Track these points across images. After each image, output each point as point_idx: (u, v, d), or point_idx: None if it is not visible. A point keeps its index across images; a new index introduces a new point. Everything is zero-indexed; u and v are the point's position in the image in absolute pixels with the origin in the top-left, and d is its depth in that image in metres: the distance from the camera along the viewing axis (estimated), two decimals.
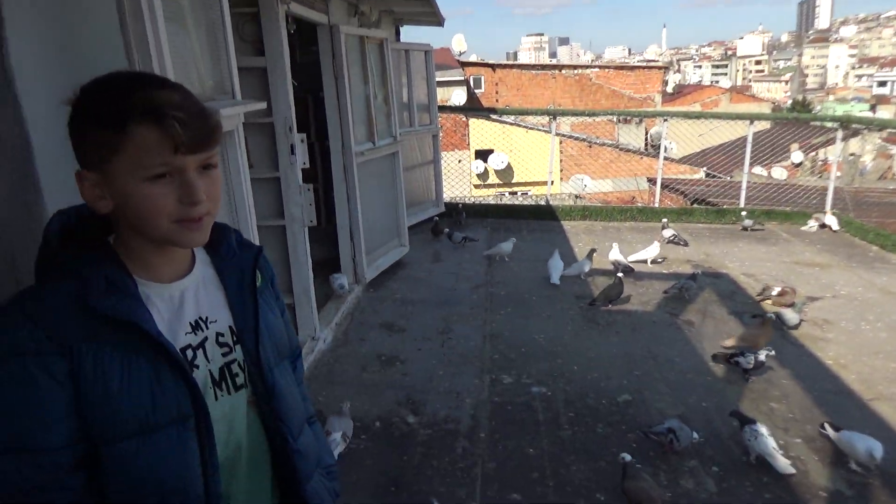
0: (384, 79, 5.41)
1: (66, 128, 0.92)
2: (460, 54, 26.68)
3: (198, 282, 1.04)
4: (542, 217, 7.79)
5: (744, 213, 7.57)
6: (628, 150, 17.62)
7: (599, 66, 26.14)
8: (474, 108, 15.26)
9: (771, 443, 2.96)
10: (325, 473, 1.23)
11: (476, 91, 24.24)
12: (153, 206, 0.89)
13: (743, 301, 5.06)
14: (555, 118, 8.21)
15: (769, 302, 4.91)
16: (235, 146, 2.53)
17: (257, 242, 2.75)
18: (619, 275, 4.99)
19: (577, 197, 14.39)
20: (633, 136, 20.16)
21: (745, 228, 7.36)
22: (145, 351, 0.90)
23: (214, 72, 2.45)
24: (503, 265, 5.94)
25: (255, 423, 1.06)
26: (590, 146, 17.67)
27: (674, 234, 6.73)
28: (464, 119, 16.77)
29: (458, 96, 21.39)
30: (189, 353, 0.98)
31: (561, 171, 17.11)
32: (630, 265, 5.65)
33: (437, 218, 6.92)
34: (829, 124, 8.00)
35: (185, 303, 1.00)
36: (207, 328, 1.01)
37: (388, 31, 5.66)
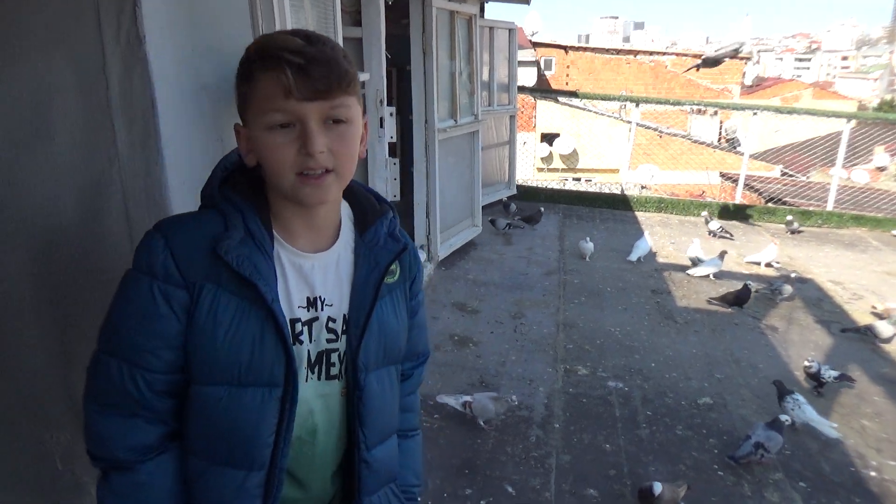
0: (470, 56, 5.32)
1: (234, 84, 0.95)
2: (533, 34, 26.24)
3: (331, 261, 1.01)
4: (616, 206, 7.60)
5: (789, 218, 7.12)
6: (700, 143, 17.04)
7: (676, 54, 25.28)
8: (547, 89, 14.97)
9: (813, 410, 3.10)
10: (400, 492, 1.17)
11: (545, 72, 23.82)
12: (274, 155, 0.89)
13: (830, 310, 4.81)
14: (637, 105, 7.95)
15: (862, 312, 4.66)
16: None
17: None
18: (749, 283, 4.73)
19: (642, 187, 14.03)
20: (706, 127, 19.47)
21: (791, 231, 6.95)
22: (258, 310, 0.91)
23: None
24: (576, 253, 5.81)
25: (344, 416, 1.04)
26: (660, 136, 17.14)
27: (720, 227, 6.49)
28: (532, 101, 16.54)
29: (527, 77, 21.07)
30: (297, 326, 0.97)
31: (629, 159, 16.71)
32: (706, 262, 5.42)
33: (505, 199, 6.77)
34: None
35: (312, 277, 0.99)
36: (322, 309, 0.99)
37: (476, 6, 5.54)
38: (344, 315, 1.01)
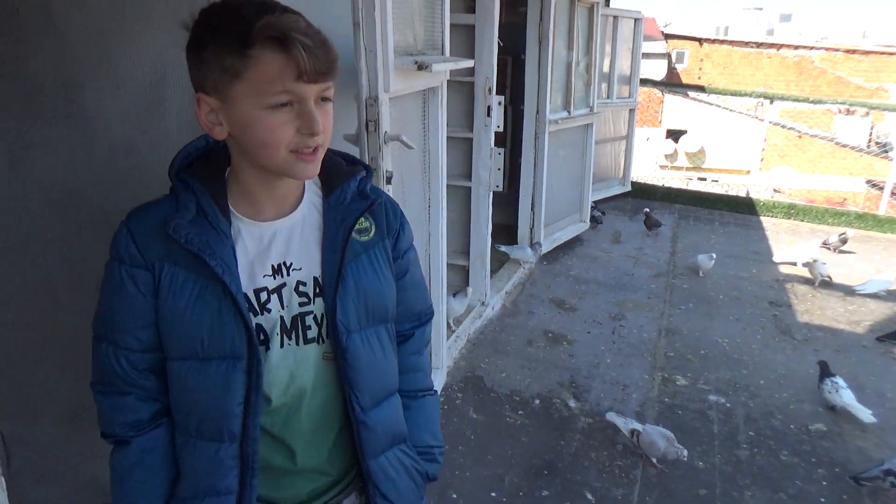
0: (589, 46, 5.15)
1: (186, 50, 0.92)
2: (666, 25, 25.11)
3: (294, 225, 1.02)
4: (739, 210, 7.11)
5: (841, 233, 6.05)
6: (846, 146, 15.58)
7: (826, 48, 23.23)
8: (674, 83, 14.28)
9: (852, 395, 3.14)
10: (414, 452, 1.16)
11: (677, 66, 22.70)
12: (272, 135, 0.89)
13: None
14: (772, 102, 7.39)
15: None
16: (438, 103, 2.50)
17: (443, 203, 2.75)
18: None
19: (775, 191, 13.04)
20: (853, 129, 17.78)
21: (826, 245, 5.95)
22: (214, 285, 0.94)
23: (427, 26, 2.42)
24: (688, 256, 5.50)
25: (333, 380, 1.04)
26: (799, 136, 15.84)
27: (841, 238, 5.86)
28: (659, 95, 15.82)
29: (656, 70, 20.19)
30: (263, 295, 0.98)
31: (761, 160, 15.58)
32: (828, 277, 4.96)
33: (647, 210, 6.18)
34: None
35: (274, 244, 1.00)
36: (288, 274, 1.00)
37: None
38: (315, 277, 1.01)
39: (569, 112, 4.97)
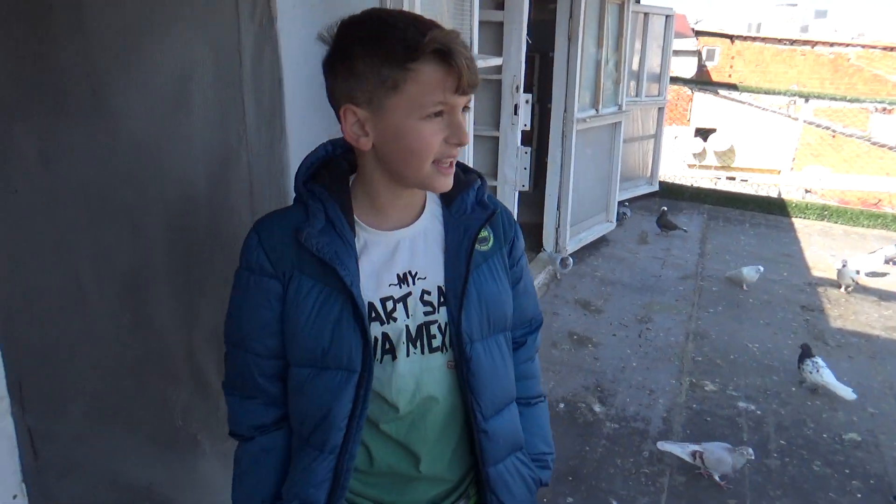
0: (619, 43, 5.07)
1: (323, 63, 0.95)
2: (697, 22, 24.75)
3: (418, 234, 1.02)
4: (770, 210, 6.97)
5: None
6: (882, 145, 15.18)
7: (863, 46, 22.66)
8: (704, 81, 14.05)
9: (832, 374, 3.26)
10: (529, 460, 1.15)
11: (707, 63, 22.34)
12: (425, 144, 0.91)
13: None
14: (807, 101, 7.21)
15: None
16: None
17: None
18: None
19: (807, 191, 12.76)
20: (891, 128, 17.33)
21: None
22: (338, 294, 0.95)
23: (456, 23, 2.39)
24: (717, 258, 5.41)
25: (456, 387, 1.04)
26: (833, 136, 15.43)
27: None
28: (688, 93, 15.57)
29: (686, 67, 19.87)
30: (389, 304, 0.98)
31: (794, 159, 15.26)
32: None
33: (664, 209, 6.03)
34: None
35: (399, 253, 1.00)
36: (414, 283, 1.00)
37: None
38: (439, 287, 1.01)
39: (597, 110, 4.90)
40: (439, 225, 1.04)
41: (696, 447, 2.69)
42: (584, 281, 4.72)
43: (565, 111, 4.54)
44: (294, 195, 1.04)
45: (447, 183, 0.97)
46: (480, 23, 2.72)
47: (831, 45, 22.24)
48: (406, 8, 1.79)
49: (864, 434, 3.06)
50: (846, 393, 3.20)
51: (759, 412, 3.20)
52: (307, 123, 1.71)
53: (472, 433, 1.06)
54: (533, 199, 5.01)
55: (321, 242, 0.94)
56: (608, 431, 2.99)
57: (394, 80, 0.88)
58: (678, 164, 16.37)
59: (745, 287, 4.71)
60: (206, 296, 1.76)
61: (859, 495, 2.66)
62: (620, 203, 5.91)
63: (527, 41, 3.58)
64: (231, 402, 1.08)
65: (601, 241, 5.50)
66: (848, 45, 22.52)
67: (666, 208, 6.02)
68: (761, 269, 4.70)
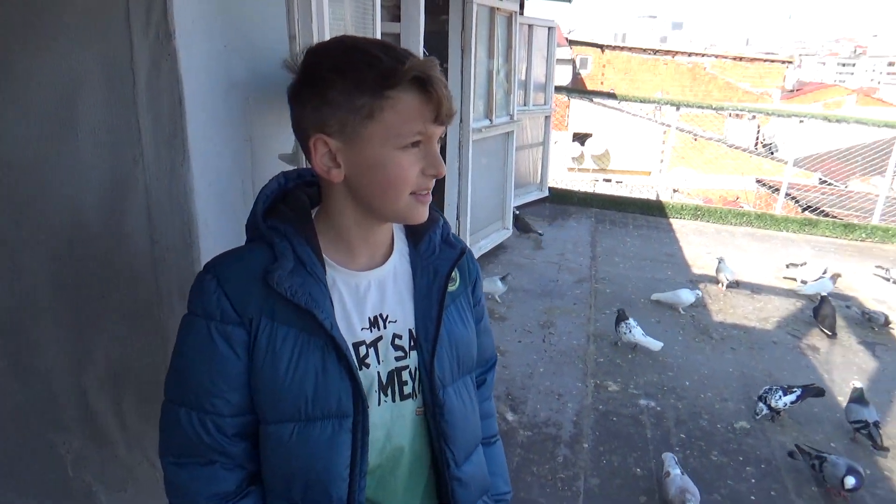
0: (509, 54, 5.19)
1: (288, 90, 0.91)
2: (569, 32, 25.94)
3: (388, 275, 0.98)
4: (651, 212, 7.40)
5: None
6: (737, 147, 16.63)
7: (717, 56, 24.75)
8: (585, 90, 14.76)
9: (641, 332, 3.82)
10: (494, 501, 1.14)
11: (581, 71, 23.53)
12: (403, 175, 0.88)
13: (878, 331, 4.59)
14: (677, 109, 7.74)
15: None
16: None
17: None
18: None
19: (674, 191, 13.72)
20: (742, 132, 19.02)
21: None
22: (316, 339, 0.88)
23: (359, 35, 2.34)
24: (608, 261, 5.65)
25: (424, 434, 1.00)
26: (695, 139, 16.78)
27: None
28: (565, 100, 16.26)
29: (562, 75, 20.79)
30: (362, 349, 0.93)
31: (661, 161, 16.38)
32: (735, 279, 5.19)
33: (517, 212, 5.95)
34: None
35: (370, 295, 0.96)
36: (385, 327, 0.96)
37: (516, 2, 5.40)
38: (410, 330, 0.97)
39: (491, 120, 4.99)
40: (407, 265, 1.00)
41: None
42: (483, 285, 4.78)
43: (461, 122, 4.58)
44: (248, 234, 0.97)
45: (424, 213, 0.93)
46: (382, 35, 2.68)
47: (689, 54, 24.18)
48: (314, 24, 1.71)
49: (752, 422, 3.29)
50: (655, 345, 3.77)
51: (659, 408, 3.36)
52: (213, 144, 1.60)
53: (437, 479, 1.02)
54: (431, 209, 5.01)
55: (294, 285, 0.87)
56: (522, 439, 3.02)
57: (370, 108, 0.84)
58: (559, 168, 17.07)
59: (681, 311, 4.57)
60: (101, 333, 1.62)
61: (753, 480, 2.85)
62: (516, 214, 6.02)
63: (424, 53, 3.57)
64: (178, 473, 0.93)
65: (499, 249, 5.60)
66: (703, 55, 24.58)
67: (518, 212, 6.09)
68: (698, 292, 4.62)
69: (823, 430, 3.27)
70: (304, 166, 1.78)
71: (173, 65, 1.52)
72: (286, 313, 0.88)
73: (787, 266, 5.55)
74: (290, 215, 0.93)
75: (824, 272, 5.20)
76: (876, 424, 3.09)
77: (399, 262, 1.00)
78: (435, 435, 0.99)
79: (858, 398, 3.25)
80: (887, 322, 4.56)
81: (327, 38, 1.80)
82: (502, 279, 4.48)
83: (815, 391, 3.35)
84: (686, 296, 4.49)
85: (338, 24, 2.00)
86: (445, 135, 4.17)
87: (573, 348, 3.95)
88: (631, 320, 3.85)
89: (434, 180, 0.91)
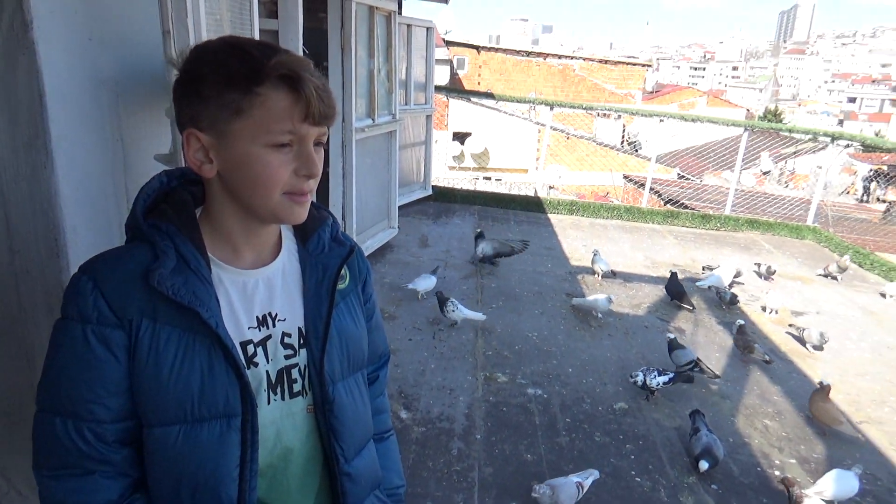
0: (389, 54, 5.19)
1: (172, 87, 0.90)
2: (446, 33, 26.35)
3: (276, 273, 0.98)
4: (530, 208, 7.69)
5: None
6: (605, 146, 17.67)
7: (584, 58, 26.11)
8: (461, 89, 15.04)
9: (465, 309, 4.16)
10: (386, 496, 1.15)
11: (458, 72, 23.99)
12: (272, 174, 0.86)
13: (731, 311, 5.04)
14: (551, 108, 8.08)
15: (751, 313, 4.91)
16: None
17: None
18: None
19: (550, 187, 14.35)
20: (609, 130, 20.23)
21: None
22: (202, 338, 0.87)
23: (236, 33, 2.25)
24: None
25: (315, 432, 1.00)
26: (567, 138, 17.66)
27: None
28: (444, 100, 16.54)
29: (440, 75, 21.11)
30: (250, 348, 0.93)
31: (537, 159, 17.06)
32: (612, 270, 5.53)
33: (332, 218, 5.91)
34: (822, 138, 8.03)
35: (258, 293, 0.95)
36: (274, 325, 0.95)
37: (394, 2, 5.42)
38: (299, 328, 0.97)
39: (374, 119, 4.97)
40: (297, 263, 1.00)
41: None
42: (375, 289, 4.76)
43: (343, 121, 4.54)
44: (128, 234, 0.93)
45: (300, 214, 0.92)
46: (260, 32, 2.60)
47: (559, 57, 25.34)
48: (190, 19, 1.63)
49: (629, 402, 3.52)
50: (479, 317, 4.17)
51: (545, 396, 3.51)
52: (79, 144, 1.50)
53: (331, 477, 1.01)
54: (320, 209, 4.92)
55: (176, 284, 0.85)
56: (417, 436, 3.05)
57: (238, 104, 0.84)
58: (440, 167, 17.34)
59: (599, 316, 4.61)
60: None
61: (633, 456, 3.05)
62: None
63: (304, 51, 3.49)
64: (54, 487, 0.88)
65: (386, 248, 5.60)
66: (572, 57, 25.84)
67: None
68: (612, 297, 4.62)
69: (692, 404, 3.54)
70: (185, 166, 1.70)
71: (31, 58, 1.40)
72: (169, 313, 0.86)
73: (703, 269, 5.89)
74: (172, 214, 0.91)
75: (736, 274, 5.54)
76: (699, 360, 3.73)
77: (288, 261, 1.00)
78: (325, 431, 0.99)
79: (677, 345, 3.85)
80: (734, 300, 5.03)
81: (204, 33, 1.73)
82: (608, 298, 4.56)
83: (686, 378, 3.61)
84: (602, 303, 4.59)
85: (214, 19, 1.92)
86: (329, 135, 4.07)
87: (462, 343, 4.03)
88: (454, 300, 4.12)
89: (310, 181, 0.90)
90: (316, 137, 0.89)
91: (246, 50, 0.85)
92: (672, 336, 3.94)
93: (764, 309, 5.02)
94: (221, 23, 2.07)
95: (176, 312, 0.86)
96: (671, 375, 3.51)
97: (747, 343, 4.14)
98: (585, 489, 2.65)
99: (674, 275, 5.12)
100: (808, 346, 4.43)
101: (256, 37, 2.39)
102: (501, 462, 2.91)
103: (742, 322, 4.37)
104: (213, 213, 0.93)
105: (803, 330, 4.46)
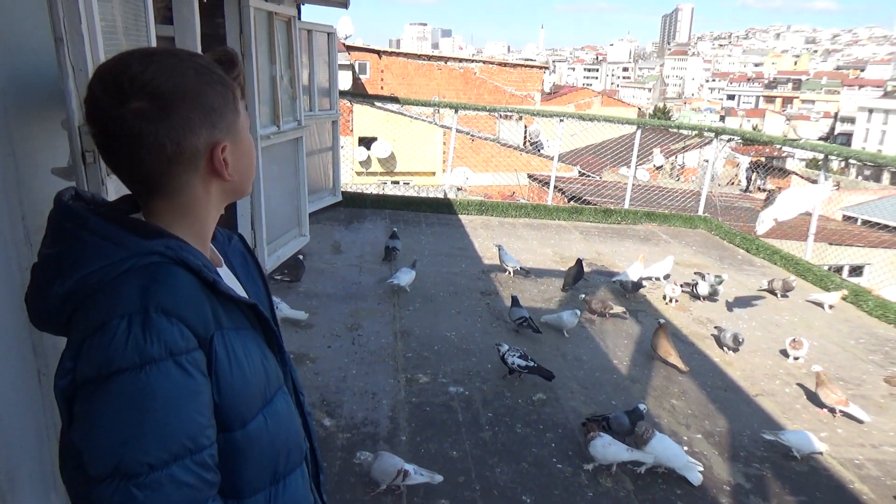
0: (290, 59, 5.11)
1: (135, 114, 0.84)
2: (346, 38, 26.13)
3: (226, 267, 1.06)
4: (441, 210, 7.78)
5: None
6: (509, 146, 18.11)
7: (484, 62, 26.61)
8: (365, 94, 14.97)
9: (287, 307, 4.24)
10: None
11: (361, 76, 23.86)
12: (253, 158, 1.00)
13: (636, 300, 5.31)
14: (456, 111, 8.20)
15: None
16: None
17: None
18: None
19: (458, 189, 14.56)
20: (512, 132, 20.75)
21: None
22: (250, 330, 0.94)
23: (131, 38, 2.16)
24: (405, 260, 5.84)
25: None
26: (472, 140, 17.96)
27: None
28: (348, 105, 16.45)
29: (342, 81, 20.94)
30: None
31: (444, 162, 17.27)
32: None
33: (301, 256, 5.15)
34: (707, 133, 8.59)
35: (232, 286, 1.01)
36: None
37: (293, 8, 5.34)
38: None
39: (278, 126, 4.87)
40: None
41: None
42: (289, 297, 4.66)
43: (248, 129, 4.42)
44: (126, 264, 0.83)
45: None
46: (156, 37, 2.51)
47: (459, 60, 25.72)
48: (83, 25, 1.56)
49: (547, 392, 3.64)
50: (301, 315, 4.19)
51: (467, 393, 3.57)
52: None
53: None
54: (224, 220, 4.77)
55: (226, 286, 0.90)
56: (342, 443, 3.03)
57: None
58: (347, 173, 17.21)
59: (566, 334, 4.46)
60: None
61: (553, 445, 3.16)
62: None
63: None
64: None
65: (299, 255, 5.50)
66: (472, 60, 26.29)
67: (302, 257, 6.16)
68: (577, 312, 4.46)
69: (605, 391, 3.71)
70: (83, 180, 1.63)
71: None
72: (228, 317, 0.89)
73: (694, 274, 5.80)
74: (165, 232, 0.89)
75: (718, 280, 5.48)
76: (531, 318, 4.29)
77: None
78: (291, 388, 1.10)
79: (516, 303, 4.43)
80: (637, 286, 5.31)
81: (99, 40, 1.66)
82: (573, 313, 4.45)
83: (545, 373, 3.67)
84: (568, 317, 4.41)
85: (108, 25, 1.84)
86: None
87: (382, 347, 4.04)
88: (277, 299, 4.13)
89: None
90: None
91: (200, 54, 0.91)
92: (516, 295, 4.51)
93: (665, 298, 5.32)
94: (115, 30, 1.98)
95: (230, 314, 0.90)
96: (532, 364, 3.64)
97: (604, 305, 4.84)
98: (407, 479, 2.66)
99: (579, 261, 5.44)
100: (724, 348, 4.46)
101: (153, 43, 2.31)
102: (427, 461, 2.93)
103: (584, 295, 4.92)
104: (195, 216, 0.93)
105: (721, 332, 4.54)
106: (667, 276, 5.82)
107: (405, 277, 4.92)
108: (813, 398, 3.80)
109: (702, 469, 2.99)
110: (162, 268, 0.84)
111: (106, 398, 0.78)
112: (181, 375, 0.81)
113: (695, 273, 5.58)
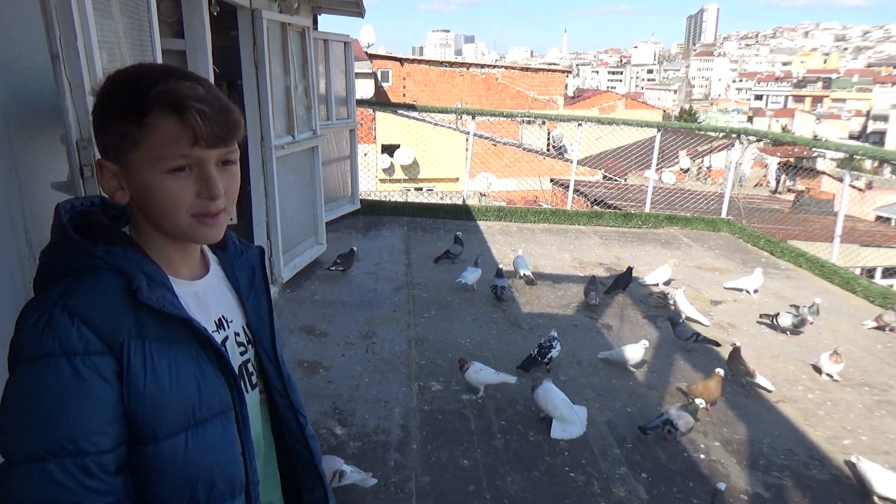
0: (305, 70, 5.16)
1: (91, 116, 0.93)
2: (368, 46, 26.35)
3: (215, 281, 1.05)
4: (459, 216, 7.77)
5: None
6: (532, 151, 18.05)
7: (506, 67, 26.60)
8: (385, 102, 15.09)
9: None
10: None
11: (383, 84, 24.02)
12: (172, 198, 0.89)
13: (655, 305, 5.24)
14: (474, 118, 8.20)
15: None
16: None
17: None
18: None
19: (482, 195, 14.55)
20: (535, 137, 20.69)
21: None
22: (187, 346, 0.91)
23: (135, 54, 2.20)
24: (423, 266, 5.85)
25: (266, 420, 1.11)
26: (494, 145, 17.87)
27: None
28: (371, 113, 16.56)
29: (364, 89, 21.11)
30: None
31: (466, 168, 17.30)
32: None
33: (354, 248, 5.59)
34: (731, 135, 8.46)
35: (207, 300, 1.01)
36: (227, 327, 1.03)
37: (308, 18, 5.40)
38: (243, 326, 1.06)
39: (293, 136, 4.92)
40: (221, 270, 1.08)
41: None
42: (305, 306, 4.71)
43: (262, 139, 4.48)
44: (69, 266, 0.90)
45: (212, 234, 0.95)
46: (163, 52, 2.55)
47: (482, 66, 25.74)
48: (80, 42, 1.59)
49: None
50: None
51: (479, 401, 3.55)
52: None
53: (291, 455, 1.15)
54: (240, 230, 4.83)
55: (161, 298, 0.88)
56: (353, 451, 3.03)
57: (130, 135, 0.86)
58: (371, 181, 17.31)
59: (629, 369, 4.02)
60: None
61: (566, 453, 3.12)
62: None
63: (214, 70, 3.44)
64: None
65: (315, 264, 5.54)
66: (494, 66, 26.28)
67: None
68: (645, 342, 3.99)
69: (620, 398, 3.66)
70: (82, 194, 1.65)
71: None
72: (156, 329, 0.88)
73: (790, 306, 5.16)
74: (112, 238, 0.92)
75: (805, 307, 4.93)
76: (504, 287, 4.92)
77: (218, 269, 1.07)
78: (287, 409, 1.11)
79: (499, 275, 5.00)
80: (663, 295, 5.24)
81: (97, 57, 1.69)
82: (642, 346, 4.00)
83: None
84: (631, 352, 3.96)
85: (109, 41, 1.88)
86: (246, 153, 4.06)
87: (396, 355, 4.03)
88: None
89: (216, 202, 0.91)
90: (221, 157, 0.91)
91: (137, 80, 0.88)
92: (500, 266, 5.16)
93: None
94: (118, 45, 2.02)
95: (162, 326, 0.89)
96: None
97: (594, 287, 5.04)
98: (343, 479, 2.66)
99: (629, 269, 5.39)
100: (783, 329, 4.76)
101: (158, 58, 2.34)
102: (438, 470, 2.93)
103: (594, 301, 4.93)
104: (142, 233, 0.95)
105: (776, 316, 4.79)
106: (756, 291, 5.63)
107: (471, 276, 5.17)
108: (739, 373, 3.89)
109: (581, 431, 3.26)
110: (92, 272, 0.87)
111: (10, 383, 0.84)
112: (72, 376, 0.82)
113: (790, 306, 5.05)
